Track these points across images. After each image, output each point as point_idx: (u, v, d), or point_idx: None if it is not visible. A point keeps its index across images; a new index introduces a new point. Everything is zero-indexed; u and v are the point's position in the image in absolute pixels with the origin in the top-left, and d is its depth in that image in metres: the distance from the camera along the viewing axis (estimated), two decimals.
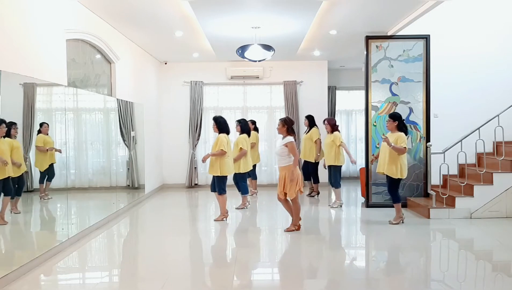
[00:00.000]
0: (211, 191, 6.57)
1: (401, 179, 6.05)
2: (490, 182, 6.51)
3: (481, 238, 5.71)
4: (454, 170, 6.83)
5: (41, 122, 4.91)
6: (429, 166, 6.84)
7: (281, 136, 5.77)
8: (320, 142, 8.10)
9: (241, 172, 7.29)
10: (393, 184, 6.08)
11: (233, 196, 7.78)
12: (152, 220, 6.96)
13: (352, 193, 9.14)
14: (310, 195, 8.53)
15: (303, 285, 4.10)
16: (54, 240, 5.03)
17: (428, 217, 6.49)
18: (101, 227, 6.10)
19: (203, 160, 6.44)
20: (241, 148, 7.20)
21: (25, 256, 4.34)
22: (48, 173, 5.14)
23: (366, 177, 7.47)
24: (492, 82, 7.48)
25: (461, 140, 6.65)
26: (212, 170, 6.38)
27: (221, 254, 5.19)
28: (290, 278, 4.32)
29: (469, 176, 6.77)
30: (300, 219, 5.84)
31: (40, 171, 5.00)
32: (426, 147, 6.99)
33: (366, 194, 7.50)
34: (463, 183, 6.63)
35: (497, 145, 6.93)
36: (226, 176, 6.44)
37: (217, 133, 6.43)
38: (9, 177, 4.25)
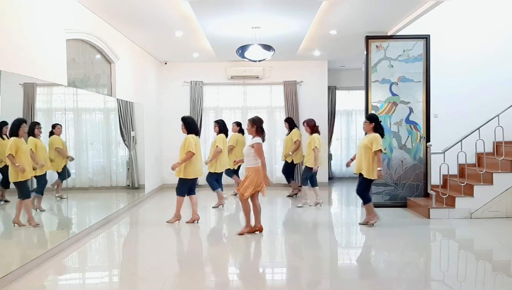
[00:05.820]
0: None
1: (372, 180, 5.96)
2: (490, 182, 6.52)
3: (481, 238, 5.72)
4: (454, 170, 6.82)
5: (53, 123, 4.99)
6: (429, 166, 6.83)
7: (251, 136, 5.56)
8: (300, 143, 8.20)
9: (217, 171, 7.25)
10: (364, 184, 6.02)
11: (210, 195, 7.83)
12: (152, 220, 6.95)
13: (352, 193, 9.12)
14: (289, 195, 8.61)
15: (303, 286, 4.10)
16: (54, 240, 5.03)
17: (428, 217, 6.49)
18: (101, 227, 6.10)
19: (173, 168, 6.06)
20: (217, 146, 7.15)
21: (25, 256, 4.34)
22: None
23: None
24: (492, 82, 7.48)
25: (461, 140, 6.65)
26: (176, 171, 6.13)
27: (221, 254, 5.19)
28: (290, 277, 4.33)
29: (469, 176, 6.77)
30: (258, 222, 5.68)
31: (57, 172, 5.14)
32: (426, 147, 6.99)
33: None
34: (463, 183, 6.63)
35: (497, 145, 6.93)
36: (189, 179, 6.15)
37: (186, 134, 6.13)
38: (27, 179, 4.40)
